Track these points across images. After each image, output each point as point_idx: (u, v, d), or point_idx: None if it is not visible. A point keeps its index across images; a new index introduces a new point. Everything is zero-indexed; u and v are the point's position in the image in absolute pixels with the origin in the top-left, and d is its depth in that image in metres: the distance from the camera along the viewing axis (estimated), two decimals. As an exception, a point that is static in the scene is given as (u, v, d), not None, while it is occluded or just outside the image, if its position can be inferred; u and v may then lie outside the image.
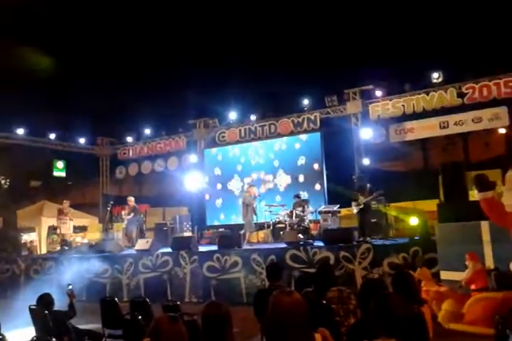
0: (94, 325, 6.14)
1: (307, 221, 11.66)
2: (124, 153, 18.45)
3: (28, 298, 6.19)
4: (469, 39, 13.43)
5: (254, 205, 11.54)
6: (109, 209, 13.87)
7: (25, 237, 15.59)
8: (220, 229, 14.32)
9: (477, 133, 13.13)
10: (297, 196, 12.01)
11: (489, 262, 6.40)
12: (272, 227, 12.07)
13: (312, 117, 14.49)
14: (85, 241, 14.81)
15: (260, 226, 12.42)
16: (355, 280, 8.24)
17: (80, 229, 15.54)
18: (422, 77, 13.09)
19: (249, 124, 15.58)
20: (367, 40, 15.22)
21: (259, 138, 15.36)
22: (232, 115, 15.87)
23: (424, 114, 13.05)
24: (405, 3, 14.48)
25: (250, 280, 9.20)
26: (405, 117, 13.33)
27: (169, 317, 2.44)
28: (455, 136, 13.66)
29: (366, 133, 13.59)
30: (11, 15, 13.72)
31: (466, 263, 6.26)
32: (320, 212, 11.93)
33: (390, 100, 13.47)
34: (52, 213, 14.66)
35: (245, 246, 10.37)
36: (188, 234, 13.53)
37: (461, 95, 12.47)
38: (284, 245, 9.67)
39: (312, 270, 8.19)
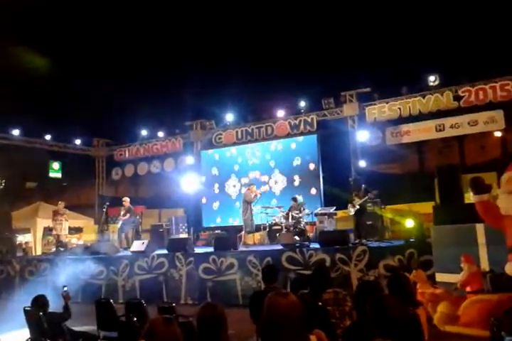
0: (90, 327, 6.12)
1: (303, 223, 11.66)
2: (121, 154, 18.41)
3: (22, 299, 6.18)
4: (465, 42, 13.50)
5: (254, 204, 11.57)
6: (104, 210, 13.83)
7: (21, 238, 15.54)
8: (216, 231, 14.31)
9: (473, 136, 13.18)
10: (294, 199, 12.01)
11: (484, 264, 6.42)
12: (268, 229, 12.06)
13: (309, 119, 14.52)
14: (81, 242, 14.79)
15: (256, 228, 12.41)
16: (350, 282, 8.25)
17: (76, 230, 15.50)
18: (419, 80, 13.15)
19: (245, 126, 15.59)
20: (364, 42, 15.28)
21: (256, 140, 15.36)
22: (229, 117, 15.87)
23: (421, 117, 13.10)
24: (402, 6, 14.54)
25: (246, 282, 9.19)
26: (402, 120, 13.38)
27: (164, 319, 2.43)
28: (451, 139, 13.71)
29: (363, 136, 13.64)
30: (9, 15, 13.69)
31: (462, 265, 6.28)
32: (316, 214, 11.94)
33: (387, 103, 13.51)
34: (47, 214, 14.61)
35: (241, 248, 10.36)
36: (184, 235, 13.51)
37: (457, 98, 12.53)
38: (280, 247, 9.67)
39: (308, 272, 8.18)
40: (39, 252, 15.15)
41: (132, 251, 10.94)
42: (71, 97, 17.79)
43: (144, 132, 17.76)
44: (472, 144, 13.94)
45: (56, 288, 6.83)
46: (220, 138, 16.05)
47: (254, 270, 9.13)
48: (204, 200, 15.90)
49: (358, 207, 9.69)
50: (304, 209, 11.84)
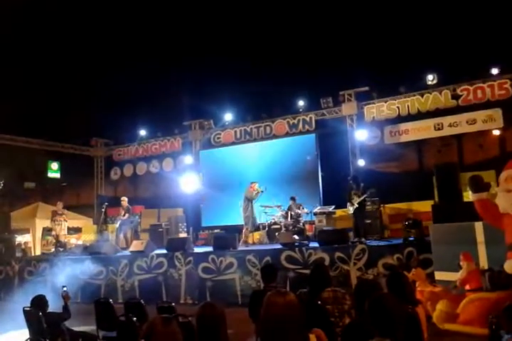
0: (89, 327, 6.12)
1: (302, 222, 11.67)
2: (119, 154, 18.40)
3: (21, 299, 6.17)
4: (464, 41, 13.50)
5: (255, 201, 11.57)
6: (103, 210, 13.83)
7: (20, 239, 15.52)
8: (216, 231, 14.30)
9: (471, 134, 13.19)
10: (293, 199, 12.02)
11: (483, 262, 6.43)
12: (267, 228, 12.07)
13: (307, 119, 14.53)
14: (80, 242, 14.77)
15: (256, 228, 12.42)
16: (350, 280, 8.26)
17: (75, 230, 15.48)
18: (417, 79, 13.15)
19: (244, 126, 15.59)
20: (362, 42, 15.27)
21: (255, 140, 15.37)
22: (228, 116, 15.87)
23: (419, 116, 13.11)
24: (401, 5, 14.53)
25: (245, 282, 9.20)
26: (400, 119, 13.39)
27: (163, 318, 2.43)
28: (449, 138, 13.72)
29: (361, 135, 13.64)
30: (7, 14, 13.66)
31: (461, 263, 6.29)
32: (315, 213, 11.95)
33: (385, 102, 13.52)
34: (46, 214, 14.59)
35: (240, 247, 10.37)
36: (183, 235, 13.49)
37: (455, 97, 12.54)
38: (279, 246, 9.67)
39: (307, 271, 8.16)
40: (38, 252, 15.14)
41: (131, 251, 10.94)
42: (70, 97, 17.76)
43: (142, 132, 17.75)
44: (471, 143, 13.95)
45: (55, 288, 6.84)
46: (218, 138, 16.06)
47: (253, 269, 9.13)
48: (203, 200, 15.89)
49: (356, 205, 9.70)
50: (303, 208, 11.86)
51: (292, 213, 11.72)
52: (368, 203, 10.65)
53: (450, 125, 12.70)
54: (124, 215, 12.93)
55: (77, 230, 15.64)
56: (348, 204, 9.88)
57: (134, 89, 17.42)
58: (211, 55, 17.29)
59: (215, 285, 9.49)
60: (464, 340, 5.50)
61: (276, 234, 11.33)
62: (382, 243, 9.18)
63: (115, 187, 19.97)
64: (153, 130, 17.70)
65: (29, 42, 16.28)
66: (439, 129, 12.87)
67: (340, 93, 14.05)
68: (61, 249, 12.89)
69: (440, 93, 12.72)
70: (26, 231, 15.93)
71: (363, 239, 9.23)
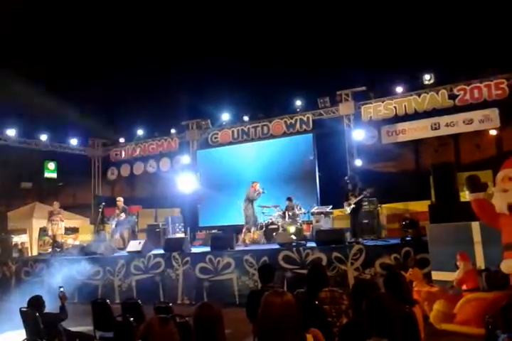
0: (86, 327, 6.11)
1: (300, 222, 11.67)
2: (116, 154, 18.37)
3: (18, 300, 6.15)
4: (461, 41, 13.53)
5: (255, 202, 11.57)
6: (100, 210, 13.78)
7: (16, 239, 15.47)
8: (213, 231, 14.29)
9: (468, 134, 13.22)
10: (289, 199, 12.02)
11: (480, 262, 6.44)
12: (264, 228, 12.07)
13: (305, 118, 14.54)
14: (77, 242, 14.73)
15: (257, 227, 12.41)
16: (347, 280, 8.26)
17: (72, 230, 15.44)
18: (414, 78, 13.18)
19: (241, 125, 15.59)
20: (359, 42, 15.29)
21: (252, 140, 15.37)
22: (225, 116, 15.86)
23: (416, 116, 13.14)
24: (398, 5, 14.56)
25: (243, 282, 9.19)
26: (397, 119, 13.41)
27: (160, 318, 2.43)
28: (446, 138, 13.76)
29: (358, 135, 13.66)
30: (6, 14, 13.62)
31: (458, 263, 6.30)
32: (312, 213, 11.95)
33: (382, 102, 13.54)
34: (43, 214, 14.56)
35: (238, 247, 10.36)
36: (180, 235, 13.48)
37: (452, 97, 12.57)
38: (276, 246, 9.67)
39: (305, 271, 8.14)
40: (35, 253, 15.10)
41: (128, 251, 10.92)
42: (66, 97, 17.71)
43: (139, 132, 17.73)
44: (467, 142, 13.99)
45: (52, 288, 6.82)
46: (216, 138, 16.05)
47: (250, 269, 9.13)
48: (201, 200, 15.87)
49: (353, 205, 9.71)
50: (300, 208, 11.86)
51: (289, 213, 11.72)
52: (366, 203, 10.67)
53: (447, 125, 12.73)
54: (119, 216, 12.89)
55: (74, 230, 15.60)
56: (345, 204, 9.89)
57: (131, 89, 17.41)
58: (209, 55, 17.28)
59: (213, 285, 9.48)
60: (461, 340, 5.51)
61: (274, 234, 11.33)
62: (379, 243, 9.18)
63: (112, 187, 19.95)
64: (151, 130, 17.69)
65: (27, 40, 16.24)
66: (436, 129, 12.90)
67: (338, 93, 14.07)
68: (58, 249, 12.86)
69: (437, 93, 12.75)
70: (23, 231, 15.88)
71: (360, 239, 9.25)
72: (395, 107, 13.32)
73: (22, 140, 17.15)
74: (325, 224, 11.47)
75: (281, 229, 11.49)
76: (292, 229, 10.71)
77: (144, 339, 2.36)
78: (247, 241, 11.61)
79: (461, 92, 12.44)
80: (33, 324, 5.18)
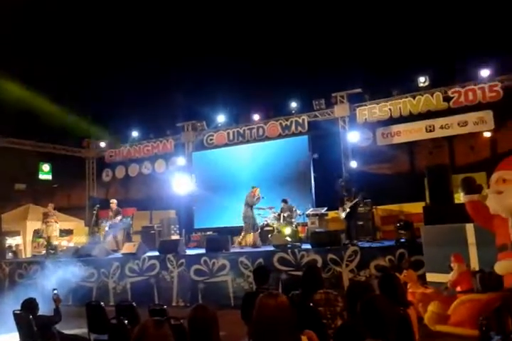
0: (80, 330, 6.09)
1: (295, 224, 11.68)
2: (111, 156, 18.31)
3: (12, 302, 6.12)
4: (455, 44, 13.59)
5: (257, 208, 11.56)
6: (95, 212, 13.73)
7: (10, 241, 15.38)
8: (208, 233, 14.27)
9: (462, 136, 13.27)
10: (284, 201, 12.02)
11: (474, 264, 6.47)
12: (259, 230, 12.06)
13: (300, 120, 14.56)
14: (71, 244, 14.67)
15: (255, 231, 12.41)
16: (342, 282, 8.28)
17: (66, 232, 15.38)
18: (409, 81, 13.23)
19: (237, 127, 15.59)
20: (355, 44, 15.32)
21: (247, 141, 15.37)
22: (220, 118, 15.87)
23: (411, 118, 13.19)
24: (392, 8, 14.61)
25: (238, 284, 9.19)
26: (392, 121, 13.46)
27: (155, 321, 2.42)
28: (441, 140, 13.80)
29: (353, 137, 13.69)
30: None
31: (452, 265, 6.32)
32: (308, 215, 11.97)
33: (377, 104, 13.58)
34: (37, 216, 14.49)
35: (234, 249, 10.36)
36: (175, 237, 13.46)
37: (447, 99, 12.63)
38: (271, 248, 9.68)
39: (300, 273, 8.16)
40: (29, 255, 15.02)
41: (123, 253, 10.89)
42: (61, 98, 17.65)
43: (134, 133, 17.70)
44: (462, 145, 14.03)
45: (46, 291, 6.78)
46: (211, 140, 16.04)
47: (245, 271, 9.13)
48: (195, 202, 15.86)
49: (348, 210, 9.73)
50: (295, 210, 11.86)
51: (284, 215, 11.72)
52: (360, 205, 10.69)
53: (441, 127, 12.79)
54: (114, 218, 12.83)
55: (68, 232, 15.55)
56: (340, 209, 9.90)
57: (126, 90, 17.35)
58: (205, 57, 17.26)
59: (208, 287, 9.47)
60: (456, 341, 5.53)
61: (269, 235, 11.33)
62: (374, 245, 9.22)
63: (107, 188, 19.87)
64: (146, 131, 17.66)
65: (22, 41, 16.17)
66: (430, 131, 12.95)
67: (333, 95, 14.11)
68: (52, 252, 12.81)
69: (432, 95, 12.81)
70: (17, 233, 15.79)
71: (355, 241, 9.26)
72: (389, 109, 13.36)
73: (16, 141, 17.07)
74: (320, 226, 11.48)
75: (276, 230, 11.49)
76: (287, 230, 10.72)
77: (138, 342, 2.34)
78: (243, 244, 11.60)
79: (456, 95, 12.50)
80: (27, 327, 5.15)
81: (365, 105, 13.76)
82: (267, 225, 12.03)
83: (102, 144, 18.52)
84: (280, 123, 14.86)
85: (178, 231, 14.01)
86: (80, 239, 15.47)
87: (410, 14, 14.61)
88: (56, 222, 13.26)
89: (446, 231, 7.14)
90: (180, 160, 16.60)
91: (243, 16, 16.71)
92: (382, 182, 13.60)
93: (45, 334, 5.17)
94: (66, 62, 17.45)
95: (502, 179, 5.32)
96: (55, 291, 5.72)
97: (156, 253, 10.50)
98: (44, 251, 13.46)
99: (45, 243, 13.36)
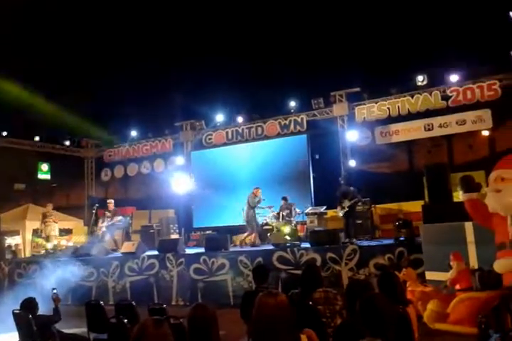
0: (80, 329, 6.09)
1: (294, 222, 11.68)
2: (110, 155, 18.30)
3: (11, 302, 6.12)
4: (453, 42, 13.59)
5: (257, 207, 11.56)
6: (94, 211, 13.72)
7: (9, 241, 15.37)
8: (207, 232, 14.28)
9: (461, 135, 13.29)
10: (284, 199, 12.03)
11: (473, 262, 6.48)
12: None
13: (299, 119, 14.56)
14: (70, 244, 14.66)
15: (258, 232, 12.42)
16: (341, 281, 8.29)
17: (65, 232, 15.37)
18: (407, 80, 13.24)
19: (236, 126, 15.58)
20: (353, 43, 15.32)
21: (246, 141, 15.37)
22: (219, 117, 15.85)
23: (409, 117, 13.20)
24: (391, 7, 14.62)
25: (237, 283, 9.19)
26: (391, 119, 13.47)
27: (154, 320, 2.42)
28: (439, 138, 13.82)
29: (352, 136, 13.70)
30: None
31: (451, 263, 6.32)
32: (307, 214, 11.97)
33: (376, 103, 13.58)
34: (36, 216, 14.48)
35: (234, 248, 10.37)
36: (174, 236, 13.46)
37: (445, 98, 12.63)
38: (271, 247, 9.69)
39: (299, 271, 8.19)
40: (28, 254, 15.01)
41: (122, 253, 10.89)
42: (59, 97, 17.63)
43: (133, 133, 17.69)
44: (460, 143, 14.05)
45: (45, 290, 6.78)
46: (210, 139, 16.03)
47: (245, 270, 9.13)
48: (194, 201, 15.86)
49: (347, 208, 9.74)
50: (294, 209, 11.87)
51: (283, 213, 11.73)
52: (359, 204, 10.70)
53: (440, 126, 12.80)
54: (111, 218, 12.78)
55: (67, 232, 15.54)
56: (339, 207, 9.92)
57: (124, 89, 17.34)
58: (203, 56, 17.27)
59: (207, 286, 9.48)
60: (454, 340, 5.54)
61: (268, 234, 11.34)
62: (373, 243, 9.23)
63: (106, 188, 19.86)
64: (144, 131, 17.64)
65: (21, 41, 16.15)
66: (429, 130, 12.96)
67: (332, 94, 14.10)
68: (51, 251, 12.80)
69: (430, 94, 12.82)
70: (16, 232, 15.78)
71: (354, 240, 9.28)
72: (388, 108, 13.37)
73: (15, 141, 17.06)
74: (319, 224, 11.48)
75: (275, 229, 11.49)
76: (286, 229, 10.72)
77: (138, 341, 2.35)
78: (242, 244, 11.60)
79: (454, 93, 12.51)
80: (26, 326, 5.15)
81: (364, 104, 13.76)
82: (267, 224, 12.03)
83: (100, 144, 18.52)
84: (279, 123, 14.86)
85: (177, 231, 14.02)
86: (79, 238, 15.46)
87: (408, 13, 14.62)
88: (55, 221, 13.26)
89: (445, 230, 7.16)
90: (179, 160, 16.59)
91: (242, 15, 16.70)
92: (381, 180, 13.62)
93: (44, 333, 5.17)
94: (65, 62, 17.44)
95: (500, 177, 5.33)
96: (55, 291, 5.72)
97: (156, 253, 10.50)
98: (43, 251, 13.45)
99: (44, 242, 13.36)
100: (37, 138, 17.53)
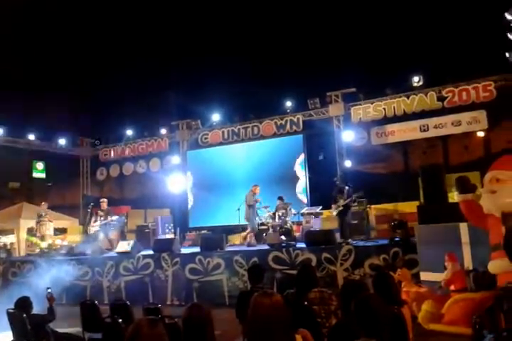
0: (74, 329, 6.06)
1: (290, 223, 11.68)
2: (105, 154, 18.25)
3: (5, 301, 6.08)
4: (449, 44, 13.64)
5: (256, 205, 11.54)
6: (89, 211, 13.66)
7: (4, 239, 15.32)
8: (203, 231, 14.26)
9: (456, 136, 13.34)
10: (280, 198, 12.03)
11: (468, 263, 6.50)
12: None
13: (295, 119, 14.57)
14: (65, 243, 14.61)
15: (243, 228, 12.43)
16: (336, 281, 8.29)
17: (60, 231, 15.31)
18: (403, 80, 13.27)
19: (232, 126, 15.57)
20: (349, 43, 15.36)
21: (242, 140, 15.37)
22: (215, 117, 15.84)
23: (405, 117, 13.24)
24: (387, 8, 14.65)
25: (233, 283, 9.19)
26: (386, 120, 13.50)
27: (149, 320, 2.41)
28: (435, 139, 13.86)
29: (348, 136, 13.72)
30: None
31: (446, 264, 6.35)
32: (302, 214, 11.98)
33: (372, 103, 13.62)
34: (31, 215, 14.42)
35: (228, 248, 10.36)
36: (170, 236, 13.44)
37: (441, 99, 12.68)
38: (266, 247, 9.68)
39: (294, 271, 8.17)
40: (23, 253, 14.95)
41: (117, 252, 10.86)
42: (55, 96, 17.58)
43: (129, 132, 17.64)
44: (456, 144, 14.10)
45: (40, 289, 6.75)
46: (206, 138, 16.02)
47: (240, 270, 9.13)
48: (190, 200, 15.85)
49: (341, 207, 9.76)
50: (290, 209, 11.86)
51: (279, 214, 11.72)
52: (355, 204, 10.71)
53: (435, 126, 12.85)
54: (104, 217, 12.71)
55: (62, 231, 15.48)
56: (333, 207, 9.93)
57: (120, 88, 17.31)
58: (200, 56, 17.26)
59: (202, 286, 9.47)
60: (449, 340, 5.56)
61: (264, 234, 11.34)
62: (368, 243, 9.23)
63: (101, 187, 19.81)
64: (140, 130, 17.61)
65: (20, 40, 16.10)
66: (424, 131, 13.01)
67: (328, 94, 14.12)
68: (46, 250, 12.74)
69: (426, 95, 12.86)
70: (11, 231, 15.72)
71: (350, 240, 9.29)
72: (384, 109, 13.41)
73: (10, 139, 16.98)
74: (315, 224, 11.49)
75: (271, 229, 11.49)
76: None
77: (133, 341, 2.34)
78: (243, 242, 11.61)
79: (450, 94, 12.56)
80: (20, 325, 5.13)
81: (360, 104, 13.80)
82: (262, 224, 12.02)
83: (97, 142, 18.47)
84: (275, 122, 14.87)
85: (172, 230, 13.99)
86: (74, 237, 15.39)
87: (404, 14, 14.66)
88: (50, 220, 13.19)
89: (440, 231, 7.18)
90: (175, 159, 16.57)
91: (240, 15, 16.70)
92: (376, 181, 13.65)
93: (38, 333, 5.15)
94: (63, 61, 17.39)
95: (495, 178, 5.36)
96: (49, 290, 5.70)
97: (151, 252, 10.48)
98: (38, 250, 13.39)
99: (39, 241, 13.30)
100: (32, 137, 17.45)
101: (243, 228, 12.35)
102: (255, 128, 15.18)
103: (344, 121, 14.07)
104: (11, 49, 15.29)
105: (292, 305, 3.35)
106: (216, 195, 14.94)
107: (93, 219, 12.59)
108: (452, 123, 12.60)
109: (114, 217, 12.65)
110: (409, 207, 10.46)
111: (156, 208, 15.52)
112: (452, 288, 6.21)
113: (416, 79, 12.92)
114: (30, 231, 14.61)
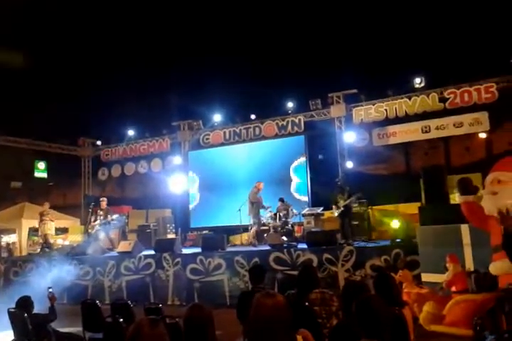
0: (75, 328, 6.07)
1: (291, 223, 11.69)
2: (107, 155, 18.27)
3: (7, 300, 6.10)
4: (451, 45, 13.64)
5: (260, 202, 11.52)
6: (90, 210, 13.68)
7: (6, 239, 15.35)
8: (204, 231, 14.27)
9: (458, 137, 13.33)
10: (281, 200, 12.03)
11: (469, 264, 6.49)
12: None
13: (296, 120, 14.57)
14: (67, 243, 14.63)
15: (244, 229, 12.43)
16: (337, 282, 8.30)
17: (62, 230, 15.34)
18: (405, 82, 13.26)
19: (233, 127, 15.58)
20: (351, 44, 15.36)
21: (244, 141, 15.37)
22: (217, 117, 15.85)
23: (407, 119, 13.22)
24: (389, 9, 14.65)
25: (234, 283, 9.19)
26: (388, 121, 13.49)
27: (150, 320, 2.41)
28: (437, 140, 13.85)
29: (350, 137, 13.72)
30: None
31: (447, 265, 6.34)
32: (304, 215, 11.98)
33: (373, 104, 13.60)
34: (33, 214, 14.45)
35: (229, 249, 10.37)
36: (171, 236, 13.44)
37: (442, 100, 12.66)
38: (267, 247, 9.69)
39: (295, 272, 8.17)
40: (24, 253, 14.97)
41: (119, 252, 10.87)
42: (57, 96, 17.61)
43: (130, 132, 17.65)
44: (457, 145, 14.09)
45: (41, 289, 6.76)
46: (207, 139, 16.03)
47: (241, 270, 9.13)
48: (191, 200, 15.85)
49: (342, 208, 9.76)
50: (292, 210, 11.87)
51: (281, 214, 11.73)
52: (356, 205, 10.71)
53: (437, 128, 12.84)
54: (103, 216, 12.72)
55: (63, 230, 15.50)
56: (334, 207, 9.94)
57: (122, 89, 17.32)
58: (201, 57, 17.26)
59: (203, 286, 9.47)
60: (450, 341, 5.55)
61: (265, 235, 11.34)
62: (369, 244, 9.23)
63: (103, 187, 19.82)
64: (142, 130, 17.62)
65: (20, 39, 16.11)
66: (426, 132, 12.99)
67: (329, 95, 14.11)
68: (47, 250, 12.76)
69: (427, 96, 12.85)
70: (12, 231, 15.75)
71: (351, 241, 9.29)
72: (385, 110, 13.39)
73: (12, 139, 17.01)
74: (316, 225, 11.49)
75: (272, 230, 11.49)
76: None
77: (134, 341, 2.34)
78: (237, 243, 11.61)
79: (452, 96, 12.55)
80: (22, 325, 5.14)
81: (361, 105, 13.79)
82: (263, 225, 12.02)
83: (98, 142, 18.51)
84: (276, 123, 14.87)
85: (174, 230, 14.00)
86: (75, 237, 15.41)
87: (406, 15, 14.66)
88: (52, 220, 13.21)
89: (442, 232, 7.17)
90: (177, 160, 16.58)
91: (241, 16, 16.70)
92: (378, 182, 13.63)
93: (40, 332, 5.16)
94: (63, 61, 17.41)
95: (497, 180, 5.36)
96: (50, 289, 5.71)
97: (152, 252, 10.49)
98: (39, 249, 13.41)
99: (41, 241, 13.32)
100: (33, 137, 17.47)
101: (244, 229, 12.36)
102: (257, 129, 15.18)
103: (346, 122, 14.07)
104: (11, 49, 15.30)
105: (293, 305, 3.35)
106: (217, 196, 14.95)
107: (93, 218, 12.61)
108: (454, 125, 12.59)
109: (114, 216, 12.67)
110: (411, 208, 10.45)
111: (157, 208, 15.53)
112: (453, 289, 6.20)
113: (418, 80, 12.90)
114: (32, 231, 14.64)
